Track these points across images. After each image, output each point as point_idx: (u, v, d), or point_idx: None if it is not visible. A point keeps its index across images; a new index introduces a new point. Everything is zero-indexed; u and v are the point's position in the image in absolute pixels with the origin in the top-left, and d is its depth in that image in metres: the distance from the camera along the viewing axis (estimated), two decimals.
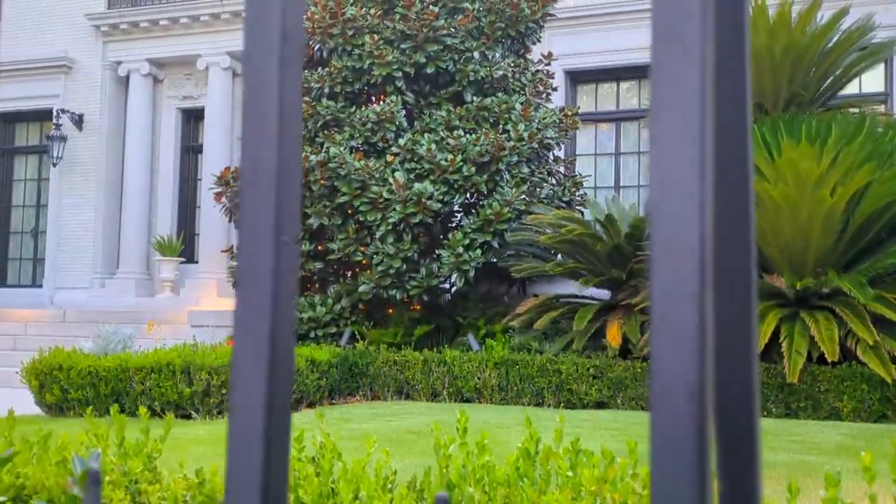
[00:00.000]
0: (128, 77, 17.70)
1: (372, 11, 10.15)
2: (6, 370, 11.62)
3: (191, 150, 18.16)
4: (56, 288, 17.66)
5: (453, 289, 10.05)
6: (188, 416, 7.95)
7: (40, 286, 17.93)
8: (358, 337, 10.07)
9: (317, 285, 10.55)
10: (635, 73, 15.27)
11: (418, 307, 10.35)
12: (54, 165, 17.63)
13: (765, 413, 8.31)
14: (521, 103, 10.33)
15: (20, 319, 13.42)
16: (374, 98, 10.61)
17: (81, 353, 8.33)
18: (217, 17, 16.93)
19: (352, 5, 10.29)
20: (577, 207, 11.39)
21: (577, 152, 15.12)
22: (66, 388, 8.12)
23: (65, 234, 17.84)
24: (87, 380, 8.08)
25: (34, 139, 18.64)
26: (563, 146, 11.97)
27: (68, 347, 12.23)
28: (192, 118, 18.09)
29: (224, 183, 10.65)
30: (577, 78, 15.45)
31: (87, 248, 17.70)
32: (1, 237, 18.45)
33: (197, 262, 17.21)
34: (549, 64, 11.33)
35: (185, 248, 17.45)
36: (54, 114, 17.63)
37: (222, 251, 14.61)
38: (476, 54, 10.37)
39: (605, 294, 9.86)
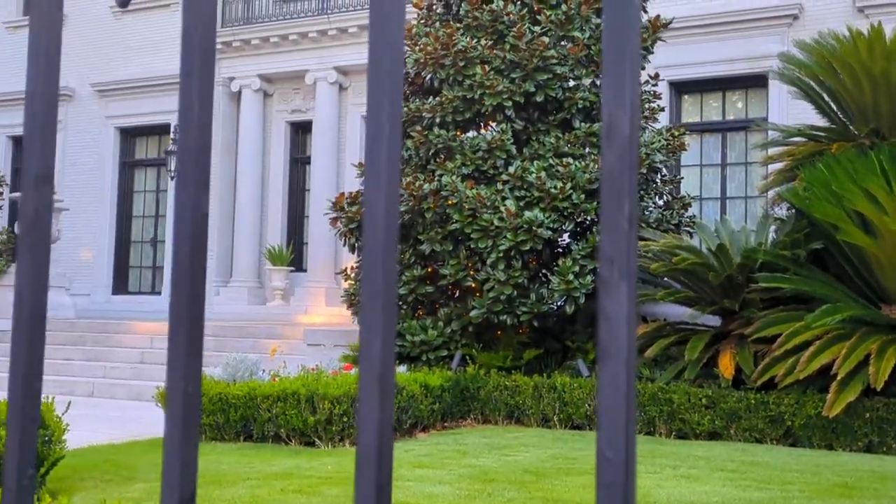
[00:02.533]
0: (240, 92, 18.36)
1: (482, 42, 10.34)
2: (136, 383, 12.29)
3: (299, 162, 18.72)
4: None
5: (560, 310, 10.19)
6: (312, 444, 8.32)
7: (158, 293, 18.79)
8: (468, 360, 10.32)
9: (428, 309, 10.84)
10: (742, 82, 15.09)
11: (526, 330, 10.54)
12: (172, 178, 18.42)
13: (884, 449, 8.23)
14: None
15: (145, 332, 14.13)
16: (483, 125, 10.82)
17: (212, 380, 8.80)
18: (324, 34, 17.40)
19: (463, 36, 10.51)
20: (685, 229, 11.38)
21: (682, 163, 15.03)
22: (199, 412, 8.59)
23: None
24: (218, 406, 8.54)
25: (153, 152, 19.50)
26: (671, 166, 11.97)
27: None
28: (300, 131, 18.65)
29: (339, 208, 11.02)
30: (681, 88, 15.36)
31: None
32: (122, 246, 19.37)
33: (305, 271, 17.77)
34: (655, 84, 11.34)
35: (294, 256, 18.03)
36: (172, 129, 18.42)
37: (336, 273, 15.05)
38: (585, 82, 10.47)
39: (715, 321, 9.86)
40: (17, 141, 20.39)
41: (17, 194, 15.69)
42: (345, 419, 8.36)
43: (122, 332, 14.17)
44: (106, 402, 11.79)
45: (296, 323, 15.48)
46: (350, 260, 17.47)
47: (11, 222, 17.71)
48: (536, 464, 7.11)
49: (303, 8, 17.85)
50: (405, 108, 10.88)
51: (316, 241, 17.36)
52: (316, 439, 8.31)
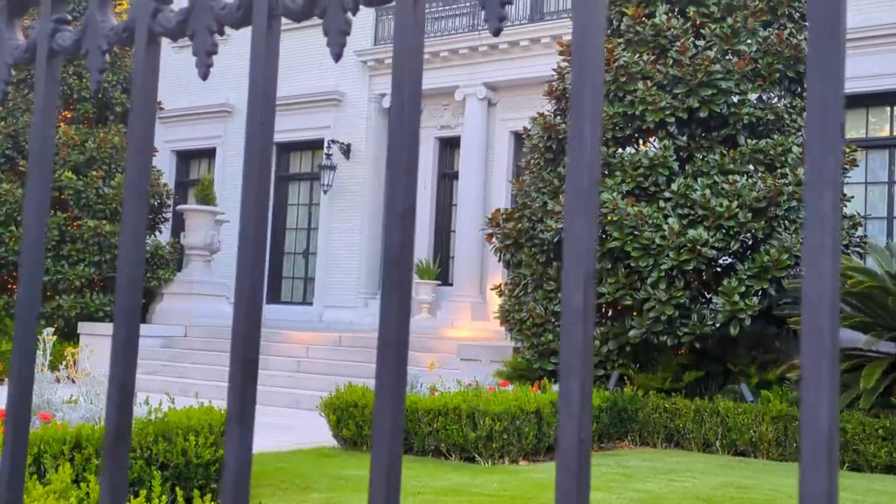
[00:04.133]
0: (390, 108, 18.71)
1: (644, 57, 10.20)
2: (293, 391, 12.65)
3: (446, 177, 18.92)
4: (325, 306, 18.97)
5: (721, 331, 9.89)
6: (472, 459, 8.35)
7: (310, 304, 19.33)
8: (625, 380, 10.15)
9: None
10: None
11: (685, 351, 10.29)
12: (325, 192, 18.97)
13: None
14: (799, 145, 10.02)
15: (301, 342, 14.55)
16: (643, 142, 10.65)
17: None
18: (475, 50, 17.55)
19: (624, 51, 10.38)
20: (855, 249, 10.87)
21: (846, 181, 14.39)
22: (361, 424, 8.77)
23: (333, 256, 19.14)
24: None
25: (306, 167, 20.11)
26: None
27: (346, 371, 13.17)
28: (449, 146, 18.84)
29: (495, 224, 11.06)
30: (847, 104, 14.70)
31: (352, 270, 18.89)
32: (276, 257, 20.04)
33: (451, 285, 17.92)
34: None
35: (441, 270, 18.20)
36: (325, 144, 18.97)
37: (490, 288, 15.10)
38: (752, 97, 10.16)
39: (890, 347, 9.36)
40: (180, 155, 21.42)
41: (184, 206, 16.48)
42: (504, 436, 8.35)
43: (279, 342, 14.64)
44: (266, 409, 12.19)
45: (442, 336, 15.61)
46: (496, 274, 17.54)
47: (176, 233, 18.57)
48: (707, 492, 6.90)
49: (453, 25, 18.08)
50: (563, 125, 10.82)
51: (462, 255, 17.49)
52: (476, 455, 8.34)
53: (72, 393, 6.61)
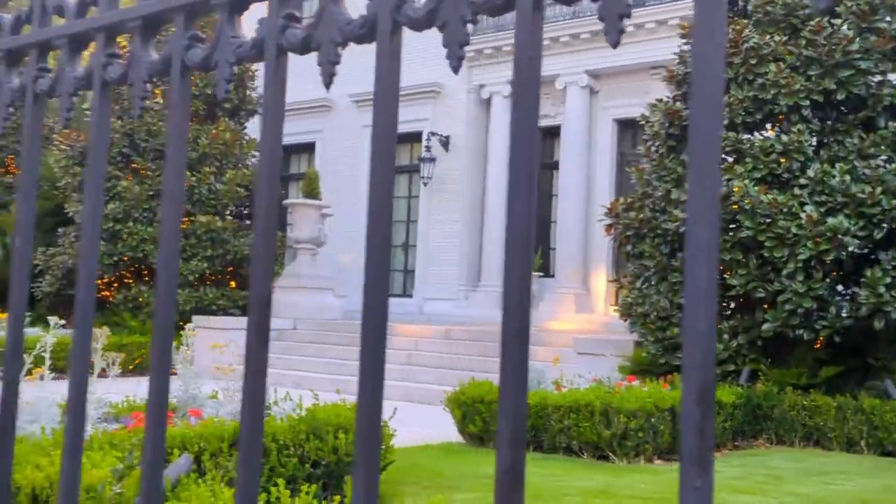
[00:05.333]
0: (489, 99, 18.52)
1: (775, 38, 9.75)
2: (405, 385, 12.56)
3: (546, 167, 18.63)
4: (425, 299, 18.90)
5: (863, 325, 9.40)
6: (605, 458, 8.10)
7: (410, 296, 19.28)
8: (759, 375, 9.76)
9: None
10: None
11: (821, 345, 9.84)
12: (424, 185, 18.87)
13: None
14: None
15: (409, 335, 14.47)
16: (773, 126, 10.21)
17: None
18: (577, 37, 17.20)
19: (752, 32, 9.95)
20: None
21: None
22: (488, 420, 8.59)
23: (432, 248, 19.05)
24: None
25: (405, 159, 20.04)
26: None
27: (457, 364, 13.03)
28: (549, 136, 18.54)
29: (614, 215, 10.75)
30: None
31: (452, 262, 18.77)
32: None
33: (553, 277, 17.64)
34: None
35: (542, 262, 17.93)
36: (424, 136, 18.86)
37: (609, 281, 14.81)
38: (893, 77, 9.64)
39: None
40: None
41: (291, 201, 16.56)
42: (640, 434, 8.07)
43: (387, 335, 14.58)
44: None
45: (547, 329, 15.34)
46: (601, 266, 17.19)
47: (281, 227, 18.70)
48: (870, 496, 6.52)
49: (553, 13, 17.73)
50: (685, 111, 10.46)
51: (564, 246, 17.20)
52: (610, 453, 8.08)
53: (213, 388, 6.58)
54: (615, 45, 0.94)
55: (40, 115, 1.72)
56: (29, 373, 5.13)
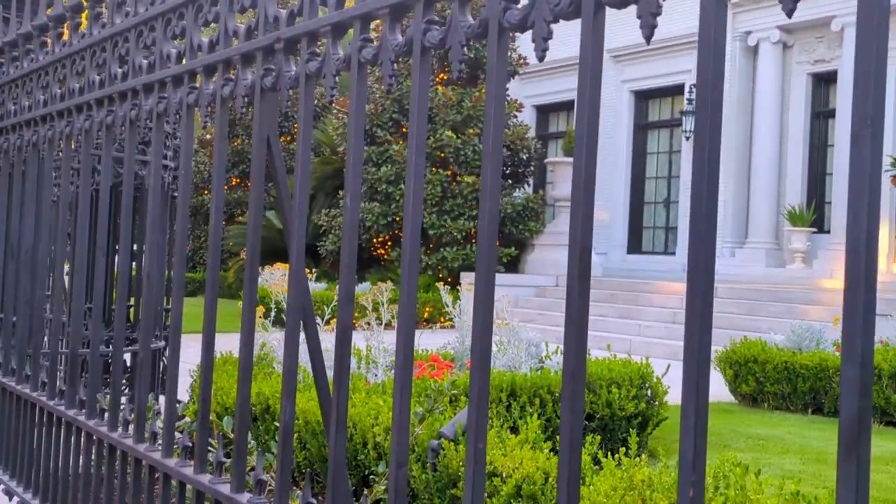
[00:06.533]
0: (756, 46, 17.59)
1: None
2: (670, 342, 12.39)
3: (821, 116, 17.48)
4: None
5: None
6: (894, 424, 7.60)
7: (672, 254, 18.87)
8: None
9: None
10: None
11: None
12: (686, 139, 18.32)
13: None
14: None
15: (674, 293, 14.23)
16: None
17: (776, 347, 8.45)
18: None
19: None
20: None
21: None
22: (762, 380, 8.31)
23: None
24: (784, 374, 8.17)
25: (665, 114, 19.55)
26: None
27: (724, 323, 12.65)
28: (823, 82, 17.36)
29: None
30: None
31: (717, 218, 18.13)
32: (636, 207, 19.77)
33: (828, 233, 16.59)
34: None
35: (816, 217, 16.92)
36: (686, 89, 18.26)
37: (894, 236, 13.79)
38: None
39: None
40: (539, 109, 21.73)
41: (552, 159, 16.68)
42: None
43: (650, 292, 14.42)
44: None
45: (821, 288, 14.50)
46: (884, 220, 15.93)
47: (539, 186, 18.88)
48: None
49: None
50: None
51: (841, 200, 16.08)
52: None
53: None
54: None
55: (365, 83, 1.88)
56: (327, 323, 5.60)
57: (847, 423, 1.05)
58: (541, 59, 1.49)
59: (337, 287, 6.06)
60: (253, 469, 2.09)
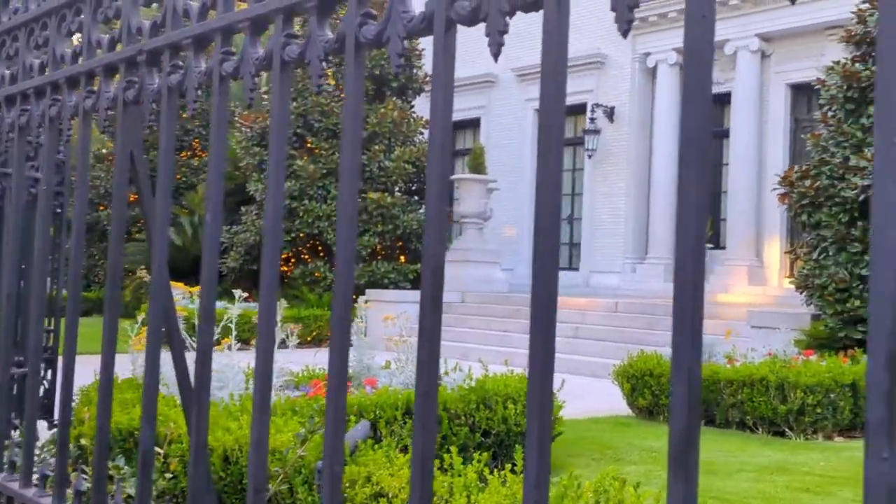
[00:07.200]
0: (655, 68, 18.07)
1: None
2: (571, 358, 12.55)
3: (716, 136, 18.01)
4: (591, 272, 18.75)
5: None
6: (781, 434, 7.85)
7: (576, 269, 19.17)
8: None
9: None
10: None
11: None
12: (589, 157, 18.67)
13: None
14: None
15: (576, 308, 14.43)
16: None
17: (667, 360, 8.62)
18: (746, 0, 16.51)
19: None
20: None
21: None
22: (658, 393, 8.48)
23: (598, 221, 18.85)
24: None
25: (569, 132, 19.89)
26: None
27: (624, 337, 12.88)
28: (718, 103, 17.92)
29: (788, 184, 10.31)
30: None
31: (618, 235, 18.51)
32: None
33: (724, 248, 17.10)
34: None
35: (712, 234, 17.42)
36: (588, 108, 18.63)
37: (785, 252, 14.27)
38: None
39: None
40: None
41: (458, 176, 16.76)
42: (818, 410, 7.76)
43: None
44: None
45: (718, 302, 14.91)
46: (774, 236, 16.49)
47: (449, 202, 18.95)
48: None
49: None
50: (865, 72, 9.86)
51: (736, 217, 16.64)
52: (786, 429, 7.81)
53: (386, 359, 6.80)
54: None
55: (226, 97, 1.84)
56: (217, 343, 5.48)
57: (676, 438, 1.05)
58: (396, 74, 1.48)
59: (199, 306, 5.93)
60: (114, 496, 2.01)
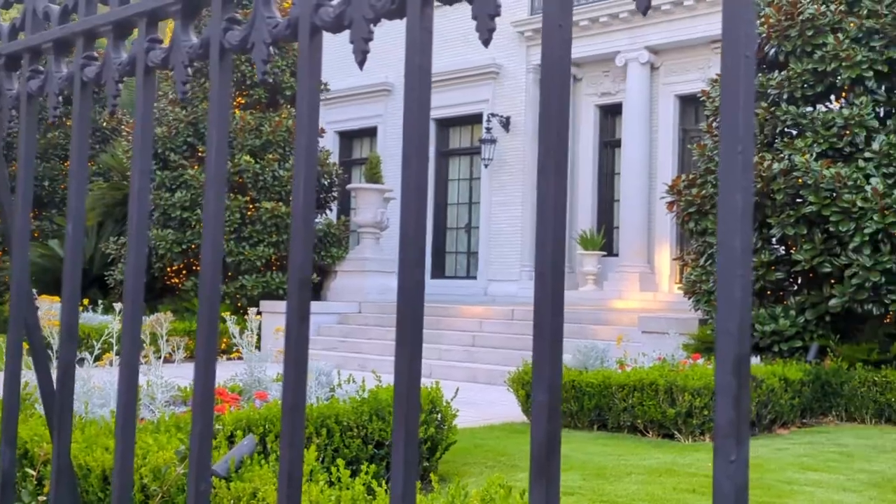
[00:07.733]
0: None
1: (832, 8, 9.49)
2: (469, 366, 12.62)
3: (608, 145, 18.45)
4: (489, 280, 18.92)
5: None
6: (670, 436, 8.04)
7: (474, 278, 19.31)
8: (828, 352, 9.56)
9: (774, 296, 10.18)
10: None
11: (891, 320, 9.59)
12: (486, 166, 18.85)
13: None
14: None
15: (473, 316, 14.51)
16: (835, 98, 9.95)
17: (564, 367, 8.75)
18: (636, 13, 16.96)
19: (810, 3, 9.70)
20: None
21: None
22: None
23: (495, 230, 19.03)
24: (572, 393, 8.48)
25: (466, 142, 20.04)
26: None
27: (521, 345, 13.01)
28: (610, 114, 18.35)
29: (676, 192, 10.62)
30: None
31: (515, 243, 18.73)
32: (439, 232, 20.10)
33: (616, 255, 17.49)
34: None
35: (605, 241, 17.80)
36: (484, 118, 18.81)
37: (673, 259, 14.65)
38: None
39: None
40: (343, 135, 21.73)
41: (354, 185, 16.70)
42: (705, 413, 7.99)
43: (451, 316, 14.63)
44: (444, 383, 12.16)
45: (611, 308, 15.25)
46: (664, 244, 16.97)
47: (343, 212, 18.86)
48: None
49: None
50: None
51: (628, 225, 17.03)
52: (675, 432, 8.02)
53: (278, 372, 6.69)
54: (644, 10, 0.95)
55: (88, 104, 1.77)
56: (98, 358, 5.29)
57: (537, 446, 1.05)
58: (261, 81, 1.43)
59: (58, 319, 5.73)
60: None
